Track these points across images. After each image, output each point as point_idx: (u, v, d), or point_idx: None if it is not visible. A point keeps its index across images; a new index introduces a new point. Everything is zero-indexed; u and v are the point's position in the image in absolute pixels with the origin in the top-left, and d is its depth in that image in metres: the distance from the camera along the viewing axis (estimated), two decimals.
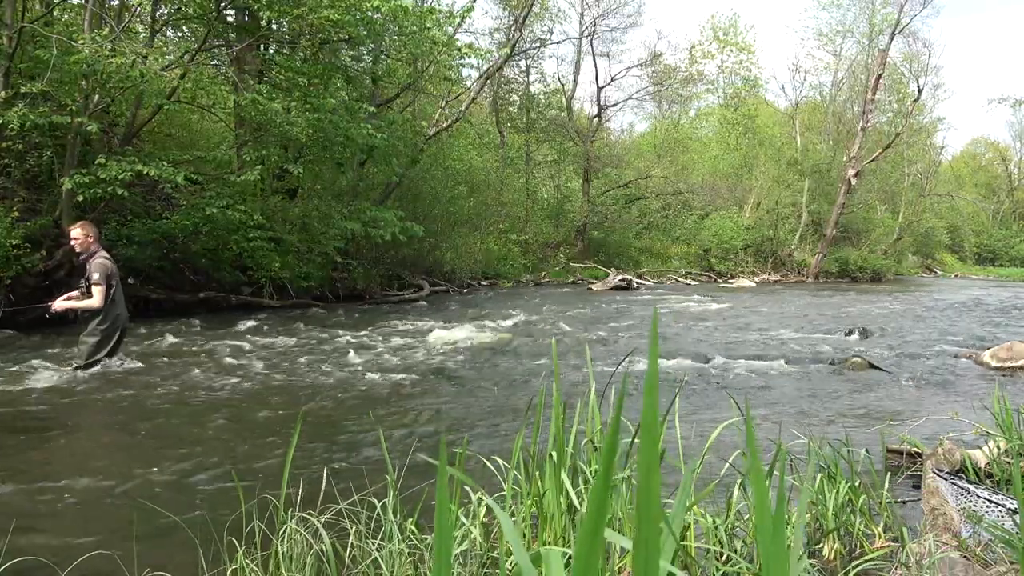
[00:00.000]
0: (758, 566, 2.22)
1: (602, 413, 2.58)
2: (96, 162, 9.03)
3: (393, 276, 16.24)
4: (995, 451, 3.23)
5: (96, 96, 9.57)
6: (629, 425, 2.60)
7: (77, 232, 6.37)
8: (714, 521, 2.27)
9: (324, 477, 2.65)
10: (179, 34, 13.41)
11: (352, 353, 7.80)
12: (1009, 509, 2.59)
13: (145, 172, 9.11)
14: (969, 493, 2.74)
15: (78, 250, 6.41)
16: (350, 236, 13.14)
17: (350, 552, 2.24)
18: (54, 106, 9.24)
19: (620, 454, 2.55)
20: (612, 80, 32.01)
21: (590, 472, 2.38)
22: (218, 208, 10.38)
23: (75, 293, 6.46)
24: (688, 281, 26.01)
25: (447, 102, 19.38)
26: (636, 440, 2.46)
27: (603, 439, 2.48)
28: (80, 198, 9.10)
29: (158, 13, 11.53)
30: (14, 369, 6.33)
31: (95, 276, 6.22)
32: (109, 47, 8.77)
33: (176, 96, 10.49)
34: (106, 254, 6.46)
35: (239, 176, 10.62)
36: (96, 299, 6.22)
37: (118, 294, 6.41)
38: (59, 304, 6.31)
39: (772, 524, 0.59)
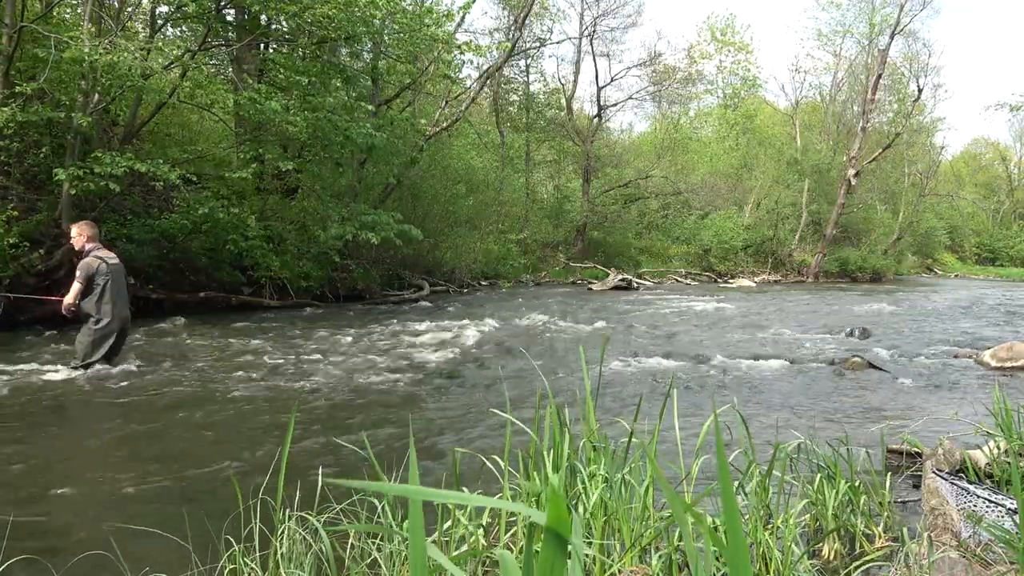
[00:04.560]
0: (757, 566, 2.22)
1: (598, 413, 2.58)
2: (91, 156, 9.02)
3: (393, 276, 16.23)
4: (995, 451, 3.22)
5: (96, 95, 9.56)
6: (626, 425, 2.59)
7: (73, 231, 6.57)
8: (713, 521, 2.26)
9: (322, 477, 2.64)
10: (179, 31, 13.40)
11: (352, 353, 7.80)
12: (1009, 509, 2.58)
13: (137, 168, 9.09)
14: (969, 493, 2.74)
15: (76, 249, 6.55)
16: (350, 238, 13.11)
17: (349, 552, 2.23)
18: (52, 104, 9.23)
19: (617, 453, 2.55)
20: (612, 80, 32.05)
21: (587, 472, 2.37)
22: (210, 207, 10.36)
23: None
24: (688, 281, 26.00)
25: (447, 102, 19.38)
26: (633, 439, 2.45)
27: (600, 439, 2.48)
28: (72, 191, 9.08)
29: (158, 11, 11.53)
30: (13, 369, 6.32)
31: (77, 275, 6.34)
32: (106, 43, 8.76)
33: (176, 95, 10.49)
34: (101, 254, 6.46)
35: (234, 173, 10.60)
36: (67, 296, 6.33)
37: (115, 294, 6.40)
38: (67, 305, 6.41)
39: (728, 504, 0.59)
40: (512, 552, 2.26)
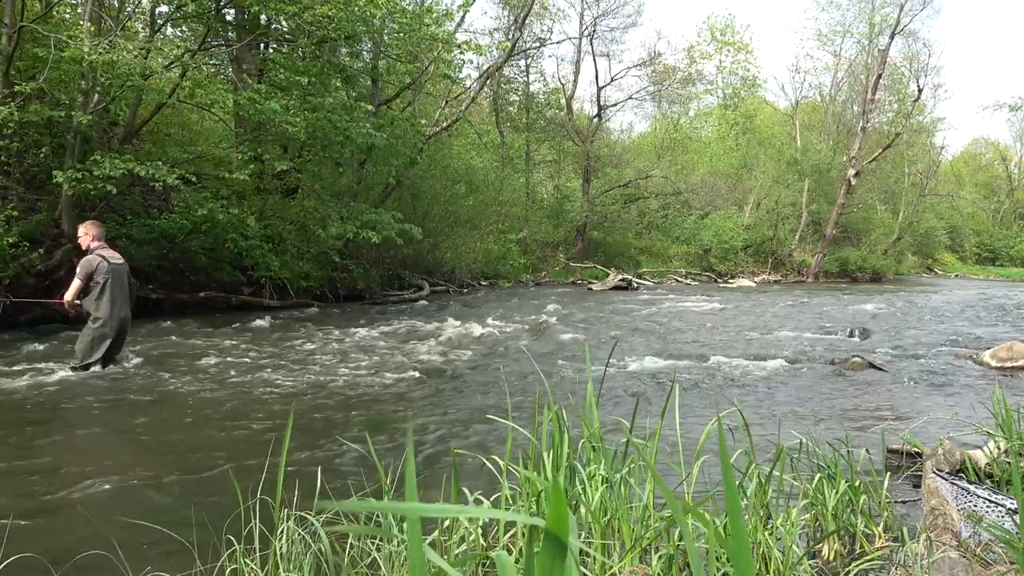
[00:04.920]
0: (758, 566, 2.22)
1: (598, 414, 2.57)
2: (91, 159, 9.02)
3: (393, 276, 16.23)
4: (995, 451, 3.22)
5: (96, 95, 9.56)
6: (625, 423, 2.59)
7: (80, 231, 6.71)
8: (714, 521, 2.26)
9: (322, 477, 2.64)
10: (179, 31, 13.40)
11: (351, 353, 7.80)
12: (1009, 509, 2.58)
13: (135, 171, 9.07)
14: (969, 493, 2.74)
15: (82, 248, 6.64)
16: (348, 238, 13.12)
17: (349, 552, 2.23)
18: (51, 104, 9.23)
19: (618, 453, 2.54)
20: (612, 80, 32.10)
21: (587, 472, 2.37)
22: (209, 209, 10.34)
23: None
24: (688, 281, 26.01)
25: (447, 102, 19.38)
26: (633, 439, 2.45)
27: (599, 440, 2.48)
28: (70, 192, 9.07)
29: (157, 11, 11.52)
30: (13, 369, 6.32)
31: (77, 271, 6.40)
32: (105, 43, 8.76)
33: (176, 95, 10.48)
34: (105, 253, 6.48)
35: (232, 174, 10.59)
36: (67, 294, 6.40)
37: (115, 293, 6.41)
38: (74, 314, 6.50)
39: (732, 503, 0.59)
40: (512, 552, 2.26)
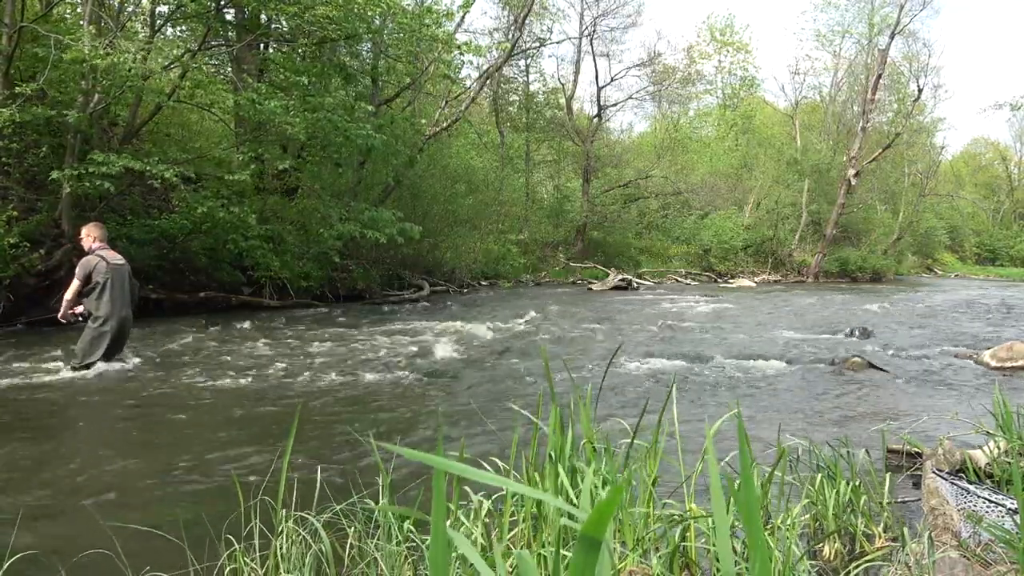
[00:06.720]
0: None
1: (598, 414, 2.57)
2: (88, 157, 9.01)
3: (393, 276, 16.23)
4: (995, 451, 3.22)
5: (96, 95, 9.56)
6: (627, 427, 2.60)
7: (82, 232, 6.76)
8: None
9: (322, 477, 2.64)
10: (179, 31, 13.39)
11: (352, 353, 7.80)
12: (1009, 509, 2.58)
13: (132, 167, 9.07)
14: (969, 493, 2.74)
15: (85, 250, 6.68)
16: (350, 238, 13.13)
17: (349, 552, 2.23)
18: (51, 104, 9.22)
19: (619, 454, 2.55)
20: (612, 80, 32.12)
21: (591, 472, 2.37)
22: (209, 207, 10.33)
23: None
24: (688, 281, 26.01)
25: (447, 102, 19.39)
26: (635, 441, 2.45)
27: (600, 439, 2.48)
28: (67, 190, 9.08)
29: (157, 11, 11.52)
30: (13, 368, 6.33)
31: (76, 272, 6.46)
32: (106, 44, 8.76)
33: (176, 95, 10.48)
34: (105, 253, 6.51)
35: (233, 174, 10.58)
36: (67, 293, 6.46)
37: (114, 294, 6.42)
38: (64, 313, 6.51)
39: (748, 502, 0.59)
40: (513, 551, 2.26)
